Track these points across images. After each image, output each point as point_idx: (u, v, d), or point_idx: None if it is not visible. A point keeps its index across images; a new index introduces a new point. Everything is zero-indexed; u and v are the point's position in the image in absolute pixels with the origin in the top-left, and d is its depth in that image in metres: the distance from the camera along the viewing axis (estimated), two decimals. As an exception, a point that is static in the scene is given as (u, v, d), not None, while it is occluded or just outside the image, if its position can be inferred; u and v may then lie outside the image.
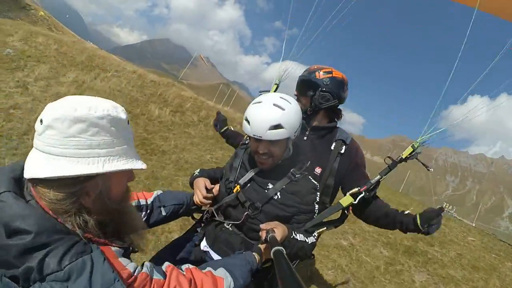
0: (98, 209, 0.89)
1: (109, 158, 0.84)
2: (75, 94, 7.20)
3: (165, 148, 6.45)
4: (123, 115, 0.88)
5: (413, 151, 1.79)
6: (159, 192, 1.66)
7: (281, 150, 1.55)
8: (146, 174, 5.14)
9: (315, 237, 1.66)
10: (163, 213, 1.59)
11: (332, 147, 1.96)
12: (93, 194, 0.86)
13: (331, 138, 2.03)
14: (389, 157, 1.86)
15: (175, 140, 7.03)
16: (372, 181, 1.79)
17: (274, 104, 1.47)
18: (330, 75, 2.00)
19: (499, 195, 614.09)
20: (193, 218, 1.87)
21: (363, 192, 1.76)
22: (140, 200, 1.52)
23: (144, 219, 1.49)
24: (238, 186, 1.61)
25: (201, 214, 1.81)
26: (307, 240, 1.57)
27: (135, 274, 0.89)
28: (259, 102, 1.51)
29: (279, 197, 1.57)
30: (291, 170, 1.61)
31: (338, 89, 2.01)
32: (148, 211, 1.53)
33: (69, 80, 8.20)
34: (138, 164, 0.93)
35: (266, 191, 1.57)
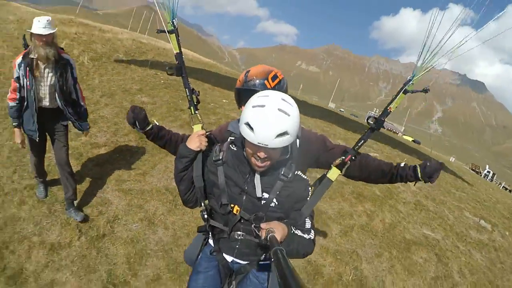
0: None
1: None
2: None
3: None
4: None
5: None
6: None
7: (279, 154, 1.53)
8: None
9: (313, 233, 1.66)
10: None
11: None
12: None
13: None
14: (374, 117, 1.79)
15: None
16: (355, 148, 1.74)
17: (279, 110, 1.38)
18: (278, 79, 1.93)
19: (428, 100, 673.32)
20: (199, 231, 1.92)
21: (349, 162, 1.71)
22: None
23: None
24: (236, 207, 1.63)
25: (205, 229, 1.85)
26: (305, 236, 1.59)
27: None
28: (262, 106, 1.39)
29: (276, 203, 1.60)
30: (282, 172, 1.59)
31: (285, 89, 1.97)
32: None
33: None
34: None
35: (262, 202, 1.59)
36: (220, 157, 1.66)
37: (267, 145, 1.38)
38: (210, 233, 1.82)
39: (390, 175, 1.80)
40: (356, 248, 4.61)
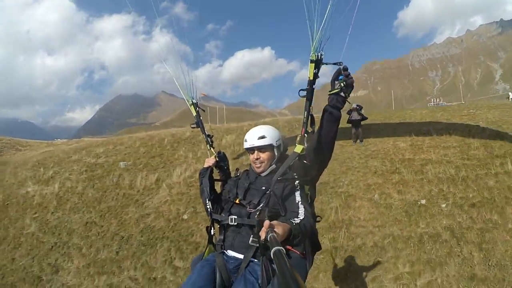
0: None
1: None
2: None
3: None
4: None
5: (316, 64, 1.91)
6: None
7: (269, 156, 2.29)
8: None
9: (302, 213, 1.98)
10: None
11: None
12: None
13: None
14: (301, 90, 2.03)
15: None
16: (303, 121, 2.12)
17: (259, 127, 2.39)
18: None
19: (483, 64, 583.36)
20: (210, 243, 2.37)
21: (305, 135, 2.12)
22: None
23: None
24: (238, 199, 2.25)
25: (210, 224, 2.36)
26: (300, 218, 1.93)
27: None
28: (251, 129, 2.40)
29: (273, 191, 2.10)
30: (273, 177, 2.18)
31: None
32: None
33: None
34: None
35: (262, 188, 2.21)
36: (237, 175, 2.53)
37: (253, 144, 2.27)
38: (213, 228, 2.34)
39: (329, 121, 2.08)
40: None
